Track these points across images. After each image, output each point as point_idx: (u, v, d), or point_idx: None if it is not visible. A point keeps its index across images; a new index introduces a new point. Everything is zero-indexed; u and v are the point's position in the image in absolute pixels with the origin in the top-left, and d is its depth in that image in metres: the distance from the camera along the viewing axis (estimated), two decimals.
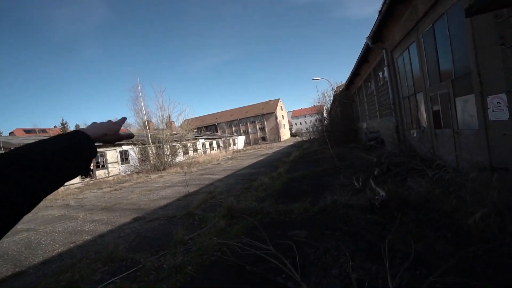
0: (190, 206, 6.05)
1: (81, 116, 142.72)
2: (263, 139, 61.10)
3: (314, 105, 25.14)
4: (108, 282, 3.14)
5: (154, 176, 15.97)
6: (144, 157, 20.46)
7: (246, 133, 62.29)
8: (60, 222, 6.84)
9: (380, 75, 10.02)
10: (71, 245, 4.81)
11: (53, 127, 48.75)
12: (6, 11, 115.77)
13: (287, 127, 71.86)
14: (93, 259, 3.86)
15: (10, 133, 45.60)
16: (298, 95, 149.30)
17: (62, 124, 45.75)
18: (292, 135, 71.07)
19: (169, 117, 23.81)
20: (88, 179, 16.80)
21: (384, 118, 9.90)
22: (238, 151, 34.94)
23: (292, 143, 37.02)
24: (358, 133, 16.37)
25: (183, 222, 5.08)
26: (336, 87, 21.75)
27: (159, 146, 20.13)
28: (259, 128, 63.11)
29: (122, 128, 0.81)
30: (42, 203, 10.73)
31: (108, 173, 18.40)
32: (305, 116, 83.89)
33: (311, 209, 4.43)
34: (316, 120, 24.51)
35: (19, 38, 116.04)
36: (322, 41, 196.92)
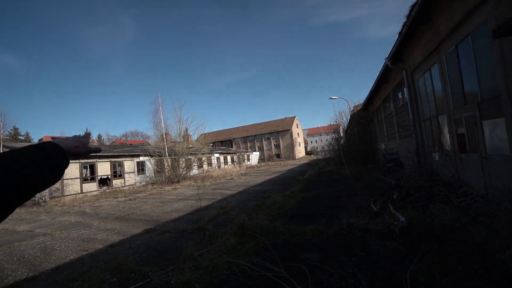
0: (202, 220, 5.99)
1: (104, 126, 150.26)
2: (278, 156, 60.76)
3: (331, 124, 24.84)
4: None
5: (168, 188, 16.16)
6: (159, 169, 20.87)
7: (260, 149, 62.34)
8: (75, 228, 6.98)
9: (400, 96, 9.81)
10: (83, 253, 4.86)
11: None
12: (49, 31, 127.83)
13: (302, 145, 71.26)
14: (103, 269, 3.86)
15: (40, 140, 48.82)
16: (314, 113, 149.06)
17: (86, 133, 48.47)
18: (307, 153, 70.21)
19: (186, 130, 24.37)
20: (105, 187, 17.29)
21: (404, 139, 9.56)
22: (252, 167, 34.87)
23: (307, 161, 36.48)
24: (375, 154, 15.87)
25: (193, 237, 5.02)
26: (354, 107, 21.49)
27: (174, 159, 20.52)
28: (274, 145, 63.03)
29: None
30: (60, 209, 11.10)
31: (124, 182, 18.85)
32: (320, 135, 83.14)
33: (326, 231, 4.23)
34: (332, 139, 24.11)
35: (58, 54, 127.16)
36: (340, 61, 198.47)
